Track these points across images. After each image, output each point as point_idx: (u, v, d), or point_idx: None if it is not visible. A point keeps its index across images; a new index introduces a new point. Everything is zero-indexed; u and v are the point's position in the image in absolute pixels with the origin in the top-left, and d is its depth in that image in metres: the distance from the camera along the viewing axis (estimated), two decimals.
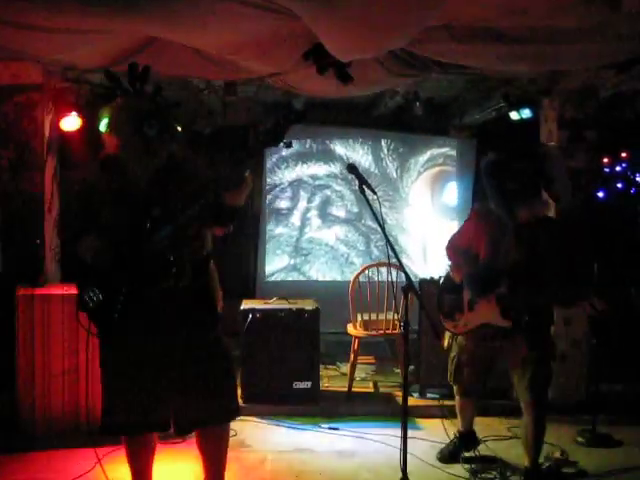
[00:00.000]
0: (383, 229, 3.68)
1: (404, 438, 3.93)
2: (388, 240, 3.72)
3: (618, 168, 8.51)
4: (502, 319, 4.30)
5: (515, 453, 4.72)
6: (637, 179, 8.66)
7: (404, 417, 3.98)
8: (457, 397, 4.73)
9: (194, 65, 4.94)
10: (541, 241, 4.24)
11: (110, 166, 3.39)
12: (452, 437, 4.83)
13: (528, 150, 4.57)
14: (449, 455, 4.75)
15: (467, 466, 4.62)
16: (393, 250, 3.72)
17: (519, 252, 4.27)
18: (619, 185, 8.61)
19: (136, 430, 3.50)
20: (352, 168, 3.68)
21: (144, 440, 3.58)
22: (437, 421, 4.92)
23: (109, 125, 3.32)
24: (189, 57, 4.73)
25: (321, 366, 6.22)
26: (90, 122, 5.63)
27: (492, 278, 4.34)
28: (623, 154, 8.41)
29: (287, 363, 5.67)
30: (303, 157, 8.34)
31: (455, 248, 4.59)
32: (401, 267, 3.86)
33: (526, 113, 6.26)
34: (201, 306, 3.48)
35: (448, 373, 4.67)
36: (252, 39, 4.21)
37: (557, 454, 4.69)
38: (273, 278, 8.22)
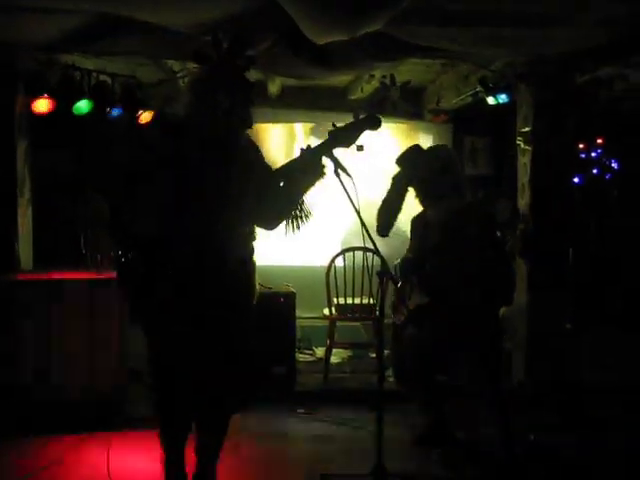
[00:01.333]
0: (359, 213, 3.65)
1: (380, 422, 3.93)
2: (364, 224, 3.68)
3: (593, 154, 8.57)
4: (425, 297, 4.38)
5: (489, 434, 4.72)
6: (612, 165, 8.73)
7: (380, 401, 3.97)
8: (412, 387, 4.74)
9: (169, 46, 4.87)
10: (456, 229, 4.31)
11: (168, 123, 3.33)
12: (427, 421, 4.83)
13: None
14: (426, 440, 4.74)
15: (440, 451, 4.61)
16: (368, 234, 3.69)
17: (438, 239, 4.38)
18: (594, 171, 8.67)
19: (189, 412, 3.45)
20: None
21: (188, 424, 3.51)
22: (413, 405, 4.89)
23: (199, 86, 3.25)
24: (163, 37, 4.67)
25: (297, 351, 6.21)
26: (62, 104, 5.55)
27: (416, 262, 4.45)
28: (599, 140, 8.46)
29: (263, 348, 5.62)
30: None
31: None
32: (377, 252, 3.83)
33: (502, 98, 6.23)
34: (246, 292, 3.45)
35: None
36: (226, 19, 4.15)
37: (530, 438, 4.71)
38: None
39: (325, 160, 3.39)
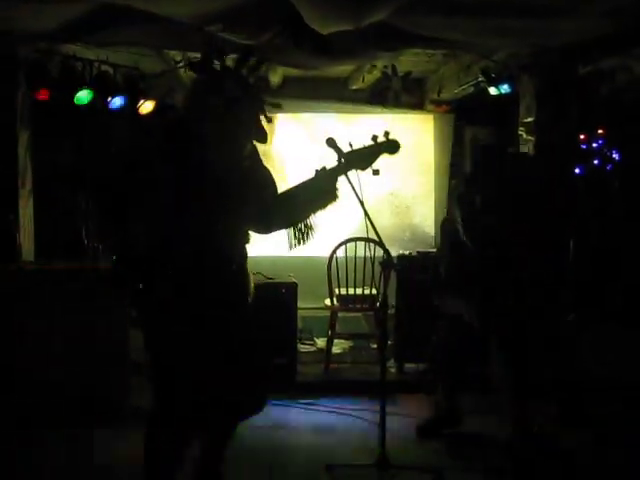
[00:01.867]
0: (362, 204, 3.65)
1: (382, 413, 3.94)
2: (367, 215, 3.68)
3: (595, 145, 8.55)
4: (476, 319, 4.35)
5: (495, 428, 4.72)
6: (613, 156, 8.71)
7: (382, 392, 3.99)
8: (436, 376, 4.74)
9: (170, 36, 4.86)
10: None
11: (185, 133, 3.18)
12: (432, 412, 4.83)
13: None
14: (428, 430, 4.75)
15: (445, 442, 4.62)
16: (372, 225, 3.69)
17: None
18: (595, 162, 8.65)
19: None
20: (331, 142, 3.60)
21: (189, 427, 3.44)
22: (415, 396, 4.91)
23: (194, 96, 3.20)
24: (165, 28, 4.65)
25: (298, 342, 6.21)
26: (62, 94, 5.53)
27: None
28: (600, 130, 8.44)
29: (264, 339, 5.62)
30: None
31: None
32: (379, 242, 3.82)
33: (505, 88, 6.22)
34: (244, 291, 3.41)
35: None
36: (228, 9, 4.14)
37: (535, 429, 4.70)
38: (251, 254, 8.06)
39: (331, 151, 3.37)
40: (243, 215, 3.22)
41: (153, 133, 3.36)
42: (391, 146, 3.36)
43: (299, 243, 3.35)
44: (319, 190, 3.27)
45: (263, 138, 3.24)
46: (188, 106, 3.21)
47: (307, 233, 3.32)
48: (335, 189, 3.28)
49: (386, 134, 3.38)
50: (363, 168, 3.35)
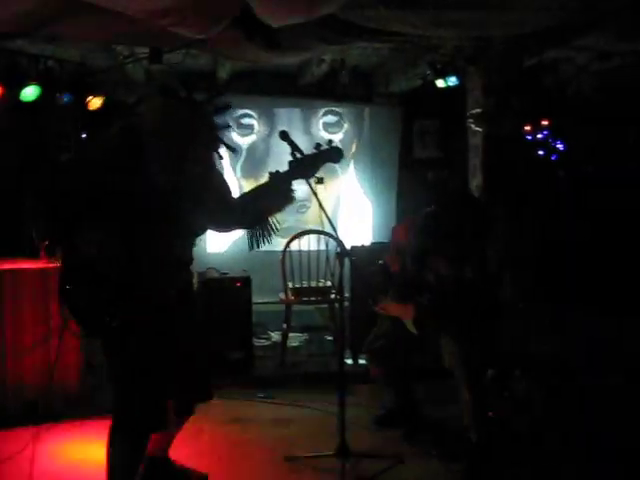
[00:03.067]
0: (316, 195, 3.67)
1: (341, 404, 3.98)
2: (322, 207, 3.71)
3: (539, 135, 8.71)
4: (412, 325, 4.40)
5: (450, 415, 4.79)
6: (557, 146, 8.89)
7: (340, 383, 4.02)
8: (374, 369, 4.79)
9: (118, 31, 4.80)
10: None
11: (137, 143, 3.11)
12: (388, 403, 4.89)
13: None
14: (385, 420, 4.81)
15: (402, 429, 4.67)
16: (327, 217, 3.72)
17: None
18: (540, 152, 8.82)
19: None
20: (284, 135, 3.62)
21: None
22: (370, 386, 4.95)
23: (162, 114, 3.17)
24: (113, 22, 4.59)
25: (254, 336, 6.21)
26: (9, 91, 5.44)
27: (414, 287, 4.42)
28: (544, 122, 8.60)
29: (220, 334, 5.61)
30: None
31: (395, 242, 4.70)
32: (334, 234, 3.85)
33: (452, 81, 6.31)
34: (192, 296, 3.47)
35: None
36: (179, 3, 4.11)
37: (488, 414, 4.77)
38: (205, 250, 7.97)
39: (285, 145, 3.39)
40: (199, 218, 3.21)
41: (109, 143, 3.30)
42: (334, 154, 3.41)
43: (259, 244, 3.36)
44: (275, 192, 3.30)
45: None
46: (157, 127, 3.17)
47: (267, 235, 3.34)
48: (291, 191, 3.31)
49: (329, 142, 3.44)
50: (308, 177, 3.39)
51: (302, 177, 3.37)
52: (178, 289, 3.24)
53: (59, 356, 4.78)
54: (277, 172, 3.33)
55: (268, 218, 3.30)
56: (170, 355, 3.23)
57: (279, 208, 3.32)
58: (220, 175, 3.35)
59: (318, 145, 3.42)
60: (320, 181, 3.41)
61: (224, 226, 3.37)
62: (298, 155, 3.54)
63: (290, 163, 3.39)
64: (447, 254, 4.27)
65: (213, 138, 3.23)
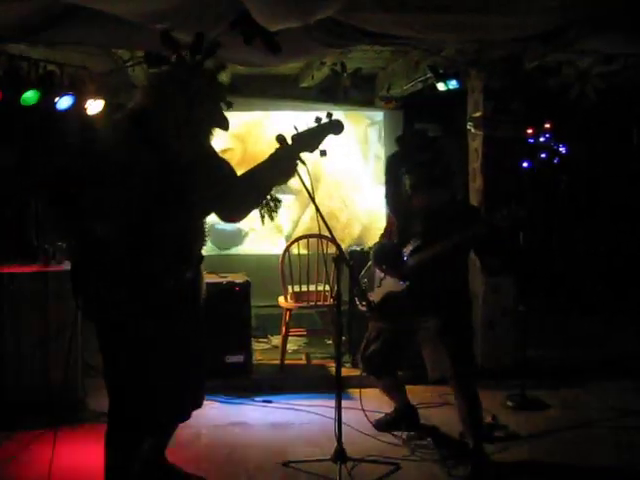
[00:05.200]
0: (313, 200, 3.66)
1: (339, 408, 3.97)
2: (319, 211, 3.69)
3: (542, 139, 8.68)
4: (399, 284, 4.38)
5: (448, 419, 4.78)
6: (560, 149, 8.85)
7: (338, 387, 4.01)
8: (368, 375, 4.77)
9: (118, 35, 4.80)
10: (440, 220, 4.31)
11: (140, 126, 3.13)
12: (390, 408, 4.88)
13: (425, 143, 4.61)
14: (386, 425, 4.79)
15: (400, 434, 4.66)
16: (324, 221, 3.70)
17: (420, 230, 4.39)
18: (543, 155, 8.79)
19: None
20: (281, 139, 3.60)
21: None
22: (370, 390, 4.93)
23: (158, 88, 3.17)
24: (113, 26, 4.60)
25: (253, 339, 6.20)
26: (9, 94, 5.43)
27: (396, 252, 4.43)
28: (547, 125, 8.57)
29: (219, 337, 5.58)
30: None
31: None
32: (332, 238, 3.84)
33: (453, 84, 6.29)
34: (196, 292, 3.44)
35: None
36: (176, 7, 4.11)
37: (488, 419, 4.76)
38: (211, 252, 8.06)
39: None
40: (207, 204, 3.21)
41: (107, 133, 3.30)
42: (334, 126, 3.41)
43: (270, 216, 3.36)
44: (278, 167, 3.31)
45: (225, 125, 3.28)
46: (148, 101, 3.18)
47: (275, 206, 3.34)
48: (295, 165, 3.32)
49: (329, 115, 3.43)
50: (311, 150, 3.38)
51: (306, 150, 3.37)
52: (179, 286, 3.22)
53: (58, 360, 4.82)
54: (280, 146, 3.34)
55: (270, 191, 3.31)
56: (166, 357, 3.23)
57: (281, 182, 3.34)
58: (220, 157, 3.39)
59: (318, 119, 3.41)
60: (323, 153, 3.40)
61: (232, 205, 3.33)
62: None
63: (292, 137, 3.37)
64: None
65: (215, 92, 3.23)
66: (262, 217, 3.36)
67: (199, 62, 3.18)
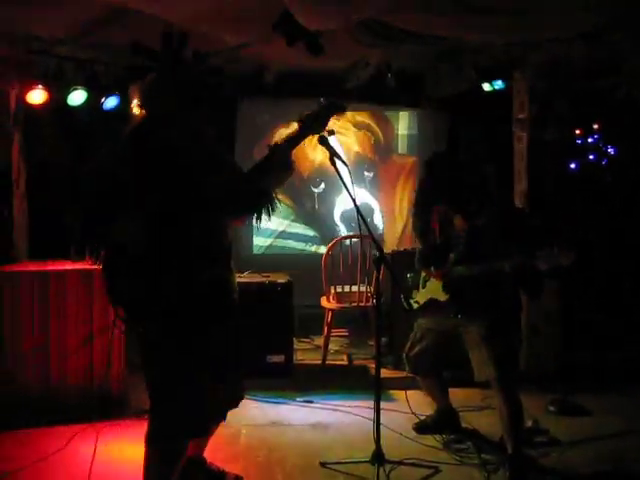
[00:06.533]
0: (354, 201, 3.66)
1: (377, 409, 3.96)
2: (359, 212, 3.69)
3: (590, 139, 8.56)
4: (442, 293, 4.34)
5: (489, 423, 4.74)
6: (608, 150, 8.72)
7: (377, 389, 4.00)
8: (415, 375, 4.75)
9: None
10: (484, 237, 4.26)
11: (146, 138, 3.17)
12: (432, 411, 4.86)
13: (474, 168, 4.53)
14: (426, 427, 4.77)
15: (440, 437, 4.63)
16: (364, 221, 3.70)
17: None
18: (591, 157, 8.66)
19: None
20: (322, 139, 3.61)
21: None
22: (412, 392, 4.91)
23: (151, 96, 3.23)
24: (160, 28, 4.64)
25: (295, 339, 6.22)
26: (57, 95, 5.53)
27: (441, 255, 4.39)
28: (595, 125, 8.45)
29: (261, 337, 5.61)
30: (279, 128, 8.15)
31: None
32: (372, 239, 3.83)
33: (498, 84, 6.24)
34: (231, 292, 3.41)
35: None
36: (222, 9, 4.14)
37: (529, 423, 4.70)
38: (257, 251, 8.13)
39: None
40: (223, 203, 3.22)
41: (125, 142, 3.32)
42: (336, 106, 3.41)
43: (268, 215, 3.31)
44: (277, 166, 3.28)
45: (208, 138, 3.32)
46: (153, 105, 3.22)
47: (272, 207, 3.31)
48: (290, 162, 3.30)
49: (326, 98, 3.44)
50: (318, 131, 3.39)
51: (313, 132, 3.37)
52: (210, 284, 3.21)
53: (103, 357, 4.89)
54: (275, 144, 3.31)
55: (272, 193, 3.28)
56: (205, 358, 3.24)
57: (281, 182, 3.34)
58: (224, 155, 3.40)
59: (320, 102, 3.42)
60: (332, 133, 3.43)
61: (236, 206, 3.29)
62: (336, 160, 3.55)
63: (298, 123, 3.37)
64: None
65: (202, 96, 3.25)
66: (258, 217, 3.29)
67: (180, 62, 3.19)
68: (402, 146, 8.75)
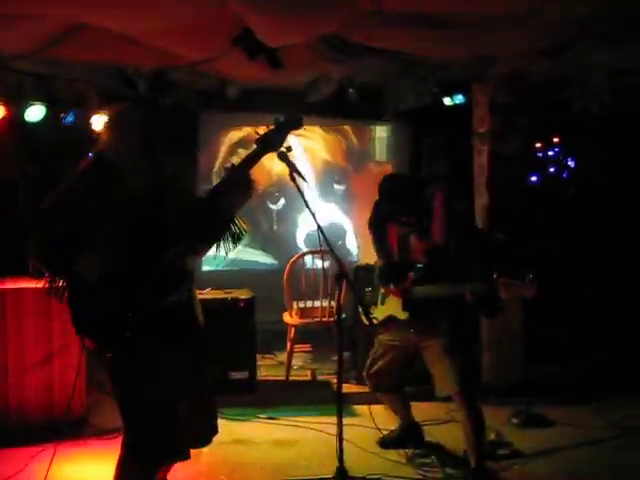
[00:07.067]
0: (314, 216, 3.65)
1: (340, 426, 3.93)
2: (320, 227, 3.68)
3: (550, 153, 8.64)
4: (401, 311, 4.34)
5: (453, 437, 4.73)
6: (569, 163, 8.81)
7: (339, 405, 3.97)
8: (375, 392, 4.75)
9: (124, 51, 4.82)
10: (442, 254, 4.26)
11: (106, 170, 3.12)
12: (394, 425, 4.85)
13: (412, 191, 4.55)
14: (390, 442, 4.76)
15: (404, 452, 4.62)
16: (324, 237, 3.68)
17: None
18: (551, 169, 8.74)
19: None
20: (282, 155, 3.59)
21: None
22: (376, 407, 4.90)
23: (115, 128, 3.17)
24: (118, 43, 4.62)
25: (258, 356, 6.18)
26: (16, 111, 5.46)
27: (400, 272, 4.38)
28: (555, 139, 8.53)
29: (223, 353, 5.54)
30: (239, 144, 8.07)
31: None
32: (332, 254, 3.82)
33: (459, 98, 6.29)
34: (197, 316, 3.38)
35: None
36: (179, 24, 4.13)
37: (492, 436, 4.71)
38: (208, 268, 7.72)
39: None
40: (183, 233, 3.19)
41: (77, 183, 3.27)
42: (293, 121, 3.40)
43: (232, 246, 3.30)
44: (236, 188, 3.24)
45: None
46: (110, 142, 3.18)
47: (237, 235, 3.30)
48: (251, 182, 3.26)
49: (285, 113, 3.42)
50: (277, 149, 3.36)
51: (270, 150, 3.34)
52: (177, 309, 3.17)
53: (62, 375, 4.81)
54: (232, 165, 3.28)
55: (234, 217, 3.25)
56: (178, 381, 3.19)
57: (242, 203, 3.27)
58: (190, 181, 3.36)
59: (276, 119, 3.40)
60: (289, 149, 3.39)
61: (197, 235, 3.24)
62: (296, 176, 3.53)
63: (256, 141, 3.35)
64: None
65: (172, 140, 3.23)
66: (225, 246, 3.27)
67: (157, 99, 3.18)
68: (380, 151, 8.47)
